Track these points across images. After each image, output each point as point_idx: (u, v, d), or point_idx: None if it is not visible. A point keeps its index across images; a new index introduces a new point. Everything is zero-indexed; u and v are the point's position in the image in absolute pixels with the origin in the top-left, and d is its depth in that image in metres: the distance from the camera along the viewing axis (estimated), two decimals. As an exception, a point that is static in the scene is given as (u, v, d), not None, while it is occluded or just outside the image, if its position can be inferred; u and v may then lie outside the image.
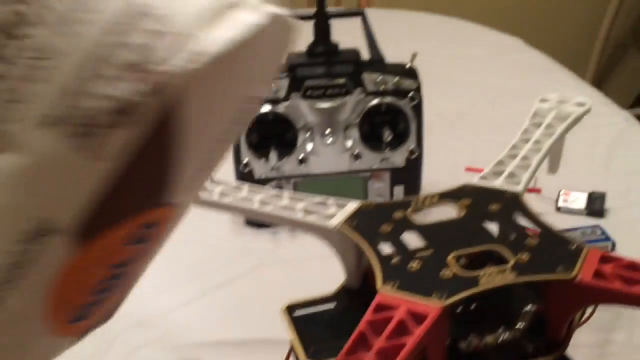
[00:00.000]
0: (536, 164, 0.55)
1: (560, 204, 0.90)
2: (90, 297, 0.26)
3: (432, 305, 0.39)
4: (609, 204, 0.92)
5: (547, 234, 0.45)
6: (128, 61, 0.21)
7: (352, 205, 0.49)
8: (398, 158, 0.84)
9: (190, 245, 0.89)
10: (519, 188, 0.51)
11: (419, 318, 0.38)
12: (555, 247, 0.44)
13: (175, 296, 0.77)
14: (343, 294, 0.49)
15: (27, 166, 0.21)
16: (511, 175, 0.54)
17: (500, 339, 0.44)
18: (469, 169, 0.93)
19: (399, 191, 0.87)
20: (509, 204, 0.49)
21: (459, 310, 0.45)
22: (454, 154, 1.02)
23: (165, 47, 0.21)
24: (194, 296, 0.77)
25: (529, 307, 0.46)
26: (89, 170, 0.22)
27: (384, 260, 0.43)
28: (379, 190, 0.86)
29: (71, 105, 0.21)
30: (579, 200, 0.91)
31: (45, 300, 0.24)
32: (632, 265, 0.42)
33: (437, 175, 0.89)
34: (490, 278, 0.41)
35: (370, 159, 0.83)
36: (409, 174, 0.86)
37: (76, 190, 0.22)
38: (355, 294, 0.49)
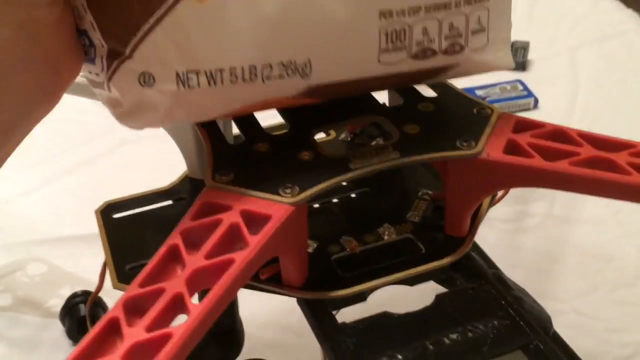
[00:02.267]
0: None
1: (479, 57, 0.79)
2: None
3: (278, 204, 0.27)
4: (532, 55, 0.81)
5: (446, 96, 0.34)
6: None
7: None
8: None
9: (45, 120, 0.74)
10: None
11: (259, 222, 0.27)
12: (455, 113, 0.32)
13: (18, 183, 0.63)
14: (184, 188, 0.37)
15: None
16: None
17: (385, 238, 0.33)
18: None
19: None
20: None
21: (326, 203, 0.33)
22: None
23: None
24: (41, 182, 0.63)
25: (423, 195, 0.35)
26: None
27: (220, 141, 0.31)
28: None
29: None
30: (499, 52, 0.79)
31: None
32: (556, 133, 0.31)
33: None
34: (365, 160, 0.29)
35: None
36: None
37: None
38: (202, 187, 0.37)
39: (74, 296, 0.48)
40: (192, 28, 0.26)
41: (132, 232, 0.34)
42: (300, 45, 0.28)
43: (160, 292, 0.24)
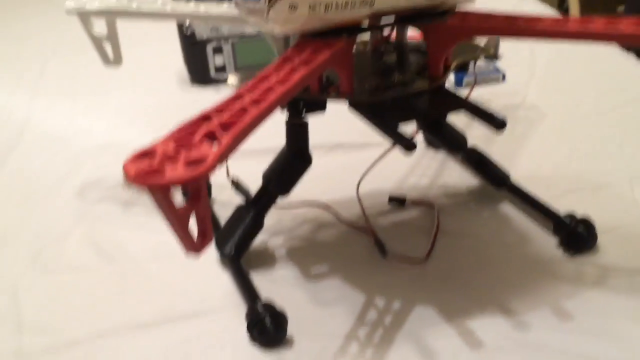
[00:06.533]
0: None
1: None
2: None
3: (334, 42, 0.51)
4: (502, 49, 1.07)
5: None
6: None
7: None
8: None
9: (143, 96, 1.01)
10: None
11: (324, 50, 0.51)
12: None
13: (137, 130, 0.90)
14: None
15: None
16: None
17: (395, 79, 0.57)
18: None
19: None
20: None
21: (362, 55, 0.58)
22: None
23: None
24: (153, 131, 0.87)
25: (416, 59, 0.59)
26: None
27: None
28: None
29: None
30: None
31: None
32: (488, 15, 0.56)
33: None
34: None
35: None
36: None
37: None
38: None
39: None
40: None
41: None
42: None
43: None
